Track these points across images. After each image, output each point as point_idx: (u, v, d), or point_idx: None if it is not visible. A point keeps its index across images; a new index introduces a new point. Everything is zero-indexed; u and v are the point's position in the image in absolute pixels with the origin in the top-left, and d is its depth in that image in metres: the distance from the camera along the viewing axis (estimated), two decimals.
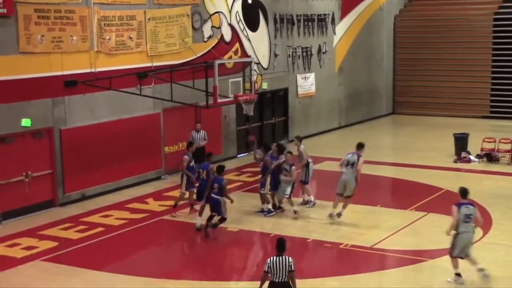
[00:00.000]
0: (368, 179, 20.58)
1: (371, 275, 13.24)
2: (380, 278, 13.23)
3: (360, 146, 16.64)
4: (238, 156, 24.51)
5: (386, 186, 21.11)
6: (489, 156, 23.09)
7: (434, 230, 15.47)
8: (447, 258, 13.86)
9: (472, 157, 23.21)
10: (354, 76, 31.77)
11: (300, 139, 18.37)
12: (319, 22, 28.96)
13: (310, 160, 17.96)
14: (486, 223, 16.02)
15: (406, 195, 19.21)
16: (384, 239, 15.16)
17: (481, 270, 12.55)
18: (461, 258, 12.65)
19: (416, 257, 14.10)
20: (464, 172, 21.88)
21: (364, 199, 17.88)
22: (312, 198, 17.94)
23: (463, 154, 23.31)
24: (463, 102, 32.99)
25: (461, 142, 23.67)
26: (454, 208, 12.47)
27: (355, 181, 16.27)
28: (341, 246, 14.77)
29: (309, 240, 15.24)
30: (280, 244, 10.16)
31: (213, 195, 15.19)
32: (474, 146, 23.62)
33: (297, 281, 10.18)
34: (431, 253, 14.26)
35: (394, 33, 35.12)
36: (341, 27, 30.62)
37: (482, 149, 23.42)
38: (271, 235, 15.50)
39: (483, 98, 33.04)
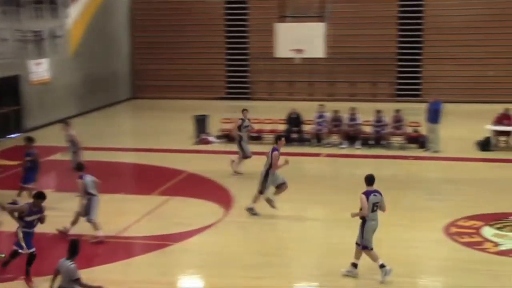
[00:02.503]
0: (109, 167, 20.14)
1: (117, 265, 12.84)
2: (126, 266, 12.88)
3: (276, 138, 15.64)
4: None
5: (128, 173, 20.77)
6: (229, 137, 23.73)
7: (178, 213, 15.52)
8: (192, 241, 13.97)
9: (211, 138, 23.73)
10: (91, 60, 30.89)
11: (68, 123, 17.35)
12: (50, 5, 27.59)
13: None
14: (228, 201, 16.44)
15: (149, 180, 19.05)
16: (128, 227, 14.82)
17: (382, 266, 11.61)
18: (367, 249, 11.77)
19: (162, 242, 13.95)
20: (205, 154, 22.24)
21: (106, 187, 17.25)
22: None
23: (203, 136, 23.76)
24: (201, 84, 33.81)
25: (201, 124, 24.08)
26: (363, 197, 11.54)
27: (265, 175, 15.06)
28: (84, 238, 14.10)
29: (50, 234, 14.27)
30: (70, 247, 9.73)
31: None
32: (214, 127, 24.16)
33: (41, 279, 9.47)
34: (176, 237, 14.23)
35: (131, 15, 34.76)
36: (75, 10, 29.52)
37: (221, 130, 24.02)
38: None
39: (219, 80, 34.14)
